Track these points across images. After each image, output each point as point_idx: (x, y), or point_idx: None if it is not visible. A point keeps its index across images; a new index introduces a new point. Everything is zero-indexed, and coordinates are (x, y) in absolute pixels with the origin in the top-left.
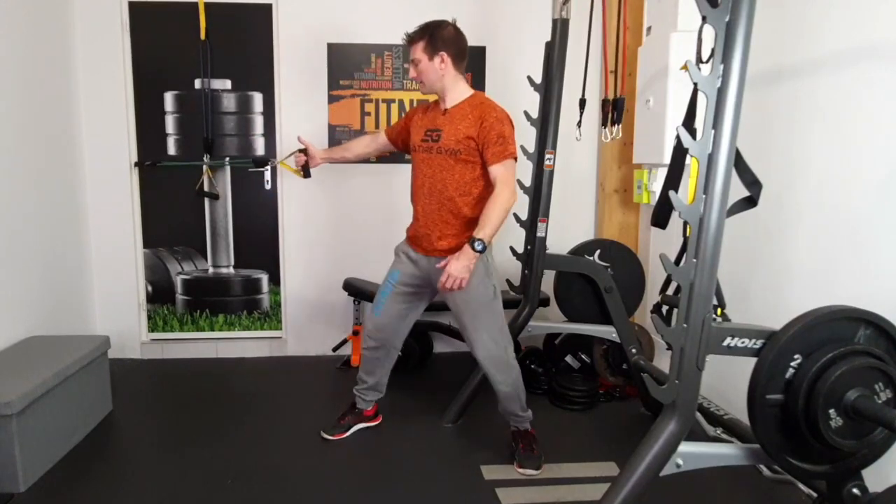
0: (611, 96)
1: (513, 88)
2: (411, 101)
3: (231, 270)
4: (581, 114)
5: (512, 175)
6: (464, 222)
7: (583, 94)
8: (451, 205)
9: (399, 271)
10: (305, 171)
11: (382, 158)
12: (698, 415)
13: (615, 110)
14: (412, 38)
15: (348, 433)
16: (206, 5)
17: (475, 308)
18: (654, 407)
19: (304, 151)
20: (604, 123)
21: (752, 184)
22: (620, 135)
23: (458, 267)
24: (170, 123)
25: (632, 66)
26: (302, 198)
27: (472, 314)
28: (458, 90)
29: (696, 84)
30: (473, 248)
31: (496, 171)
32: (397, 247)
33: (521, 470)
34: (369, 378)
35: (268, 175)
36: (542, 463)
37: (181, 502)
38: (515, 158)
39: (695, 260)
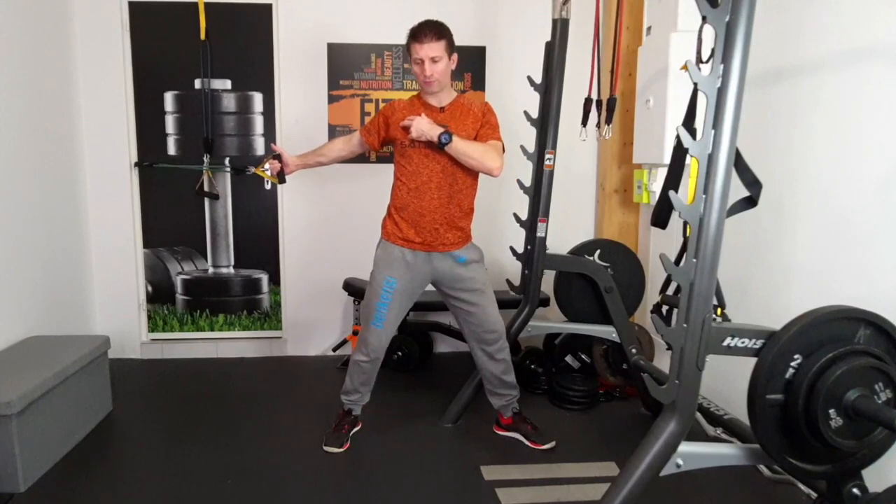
0: (601, 96)
1: (513, 88)
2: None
3: (231, 270)
4: (587, 113)
5: (500, 150)
6: (466, 213)
7: (589, 94)
8: (459, 197)
9: (395, 279)
10: (280, 177)
11: (383, 158)
12: (698, 415)
13: (608, 110)
14: (437, 35)
15: (349, 442)
16: (206, 5)
17: (483, 292)
18: (654, 407)
19: (278, 158)
20: (583, 123)
21: (752, 184)
22: (611, 135)
23: (426, 127)
24: (170, 123)
25: (632, 66)
26: (302, 198)
27: (480, 298)
28: (449, 90)
29: (696, 84)
30: (440, 136)
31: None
32: (382, 253)
33: (542, 447)
34: (364, 388)
35: None
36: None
37: (181, 502)
38: (503, 149)
39: (695, 260)
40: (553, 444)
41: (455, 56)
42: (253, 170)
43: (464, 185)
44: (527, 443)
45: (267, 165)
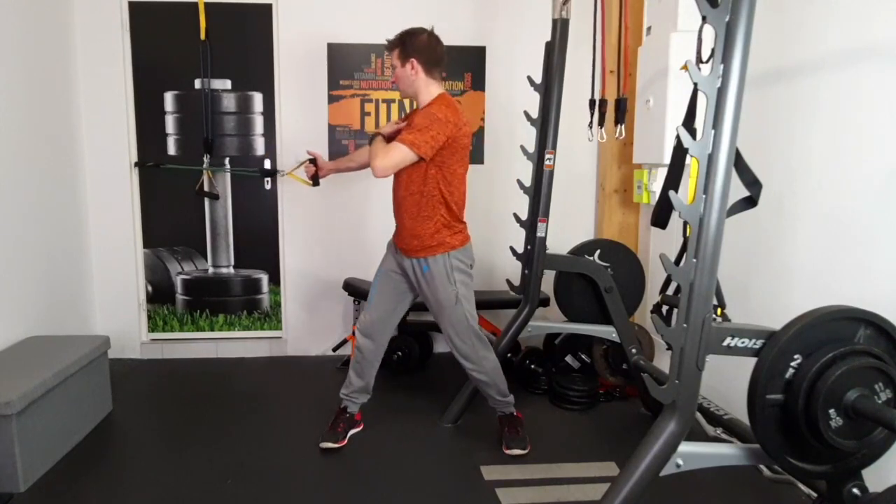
0: (609, 97)
1: (513, 88)
2: (411, 102)
3: (231, 270)
4: (592, 114)
5: (397, 155)
6: (420, 221)
7: (592, 94)
8: (406, 204)
9: (385, 265)
10: (315, 180)
11: None
12: (698, 415)
13: (618, 110)
14: (390, 46)
15: (346, 440)
16: (206, 5)
17: (441, 310)
18: (654, 407)
19: (314, 162)
20: (600, 124)
21: (752, 184)
22: (624, 135)
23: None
24: (170, 123)
25: (632, 65)
26: (302, 198)
27: (439, 314)
28: (428, 94)
29: (696, 84)
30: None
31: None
32: (388, 242)
33: (508, 451)
34: (359, 380)
35: None
36: (528, 443)
37: (181, 502)
38: (421, 157)
39: (695, 260)
40: (518, 452)
41: (412, 62)
42: (286, 173)
43: (407, 191)
44: (503, 446)
45: (301, 169)
